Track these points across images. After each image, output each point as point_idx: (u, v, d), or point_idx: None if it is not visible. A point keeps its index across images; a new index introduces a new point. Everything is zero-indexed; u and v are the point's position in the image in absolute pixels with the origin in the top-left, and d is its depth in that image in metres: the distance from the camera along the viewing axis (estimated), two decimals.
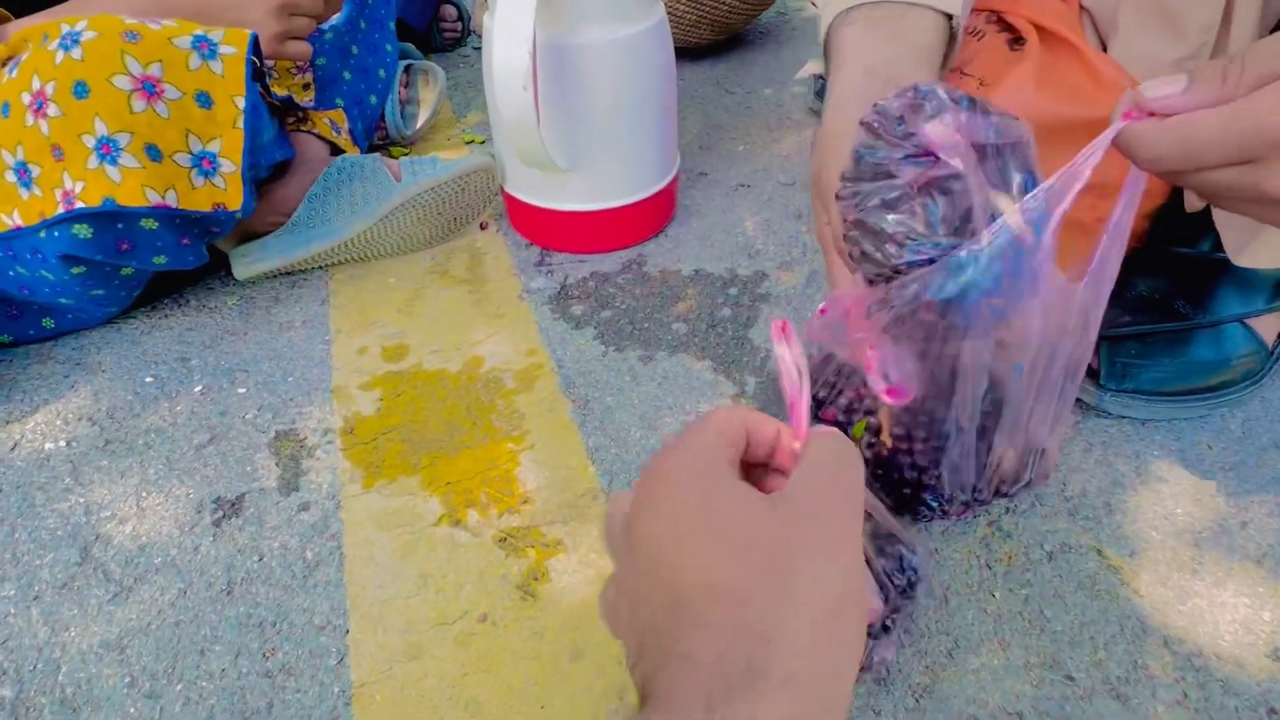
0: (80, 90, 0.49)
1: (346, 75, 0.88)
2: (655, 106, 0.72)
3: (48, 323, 0.68)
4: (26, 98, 0.50)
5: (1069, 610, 0.48)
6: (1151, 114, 0.33)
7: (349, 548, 0.54)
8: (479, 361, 0.68)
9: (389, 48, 0.95)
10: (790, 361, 0.33)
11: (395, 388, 0.66)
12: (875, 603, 0.40)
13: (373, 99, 0.92)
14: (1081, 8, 0.65)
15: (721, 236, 0.82)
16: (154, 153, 0.51)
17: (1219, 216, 0.58)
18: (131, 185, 0.50)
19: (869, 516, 0.43)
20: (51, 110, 0.49)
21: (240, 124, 0.53)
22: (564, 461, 0.59)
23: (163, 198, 0.52)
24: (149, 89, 0.50)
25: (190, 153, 0.53)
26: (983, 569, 0.50)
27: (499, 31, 0.61)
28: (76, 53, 0.49)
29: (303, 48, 0.71)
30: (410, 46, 1.09)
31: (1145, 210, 0.67)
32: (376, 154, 0.76)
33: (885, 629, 0.43)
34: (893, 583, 0.43)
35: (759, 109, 1.07)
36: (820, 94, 1.03)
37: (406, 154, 0.97)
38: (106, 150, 0.50)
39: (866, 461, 0.53)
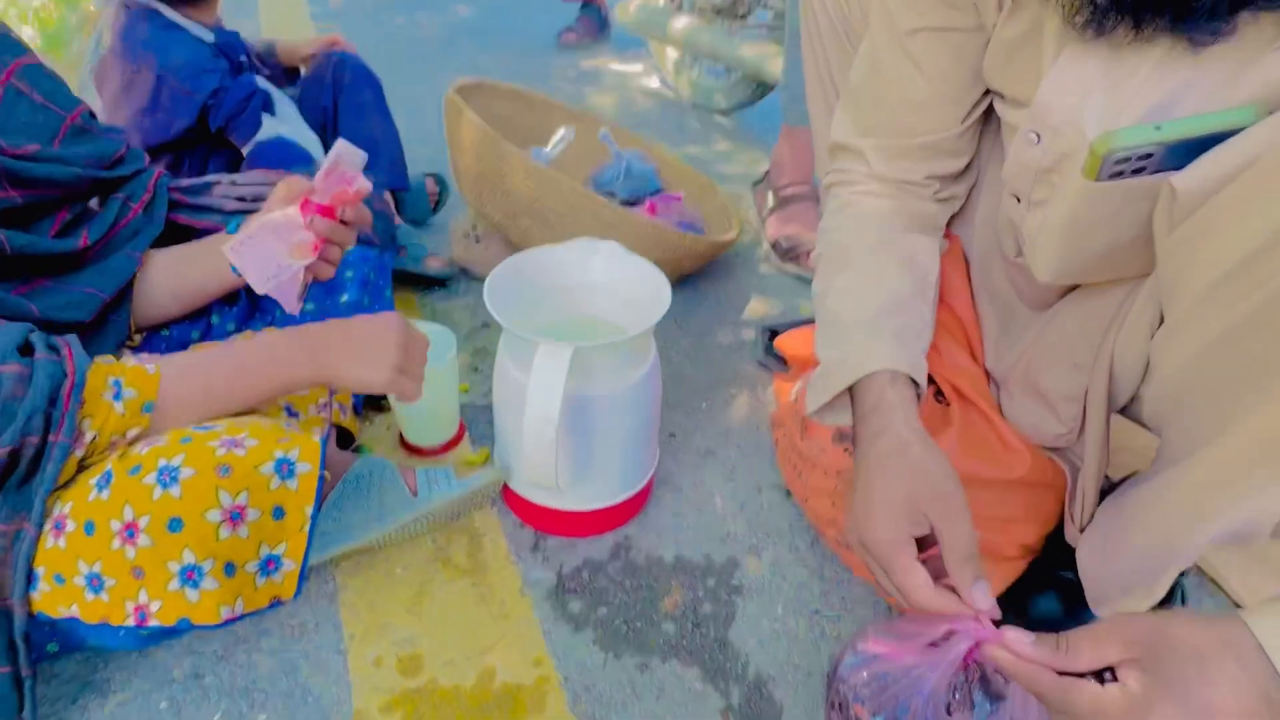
0: (174, 525, 0.54)
1: None
2: (647, 428, 0.84)
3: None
4: (116, 525, 0.55)
5: None
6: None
7: None
8: (491, 674, 0.75)
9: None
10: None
11: (415, 708, 0.72)
12: None
13: None
14: (985, 370, 0.83)
15: (695, 516, 0.93)
16: (230, 569, 0.56)
17: (1083, 571, 0.74)
18: (208, 605, 0.55)
19: None
20: (142, 540, 0.54)
21: (307, 528, 0.60)
22: None
23: (232, 609, 0.57)
24: (235, 516, 0.56)
25: (259, 559, 0.59)
26: None
27: (534, 389, 0.70)
28: (175, 490, 0.55)
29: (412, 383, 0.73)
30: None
31: (1042, 533, 0.83)
32: (394, 464, 0.83)
33: None
34: None
35: (716, 356, 1.20)
36: (769, 350, 1.18)
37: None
38: (190, 576, 0.55)
39: None
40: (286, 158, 1.12)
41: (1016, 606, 0.78)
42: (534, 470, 0.73)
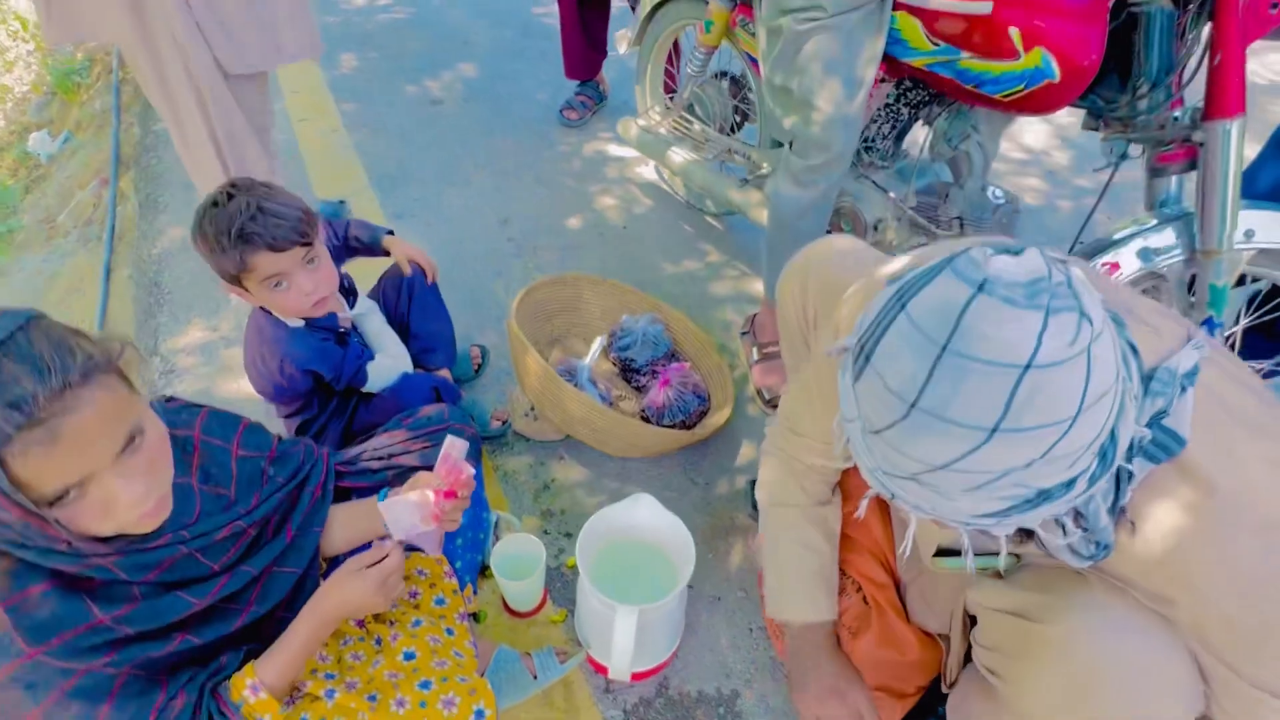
0: None
1: (467, 556, 1.38)
2: (679, 622, 1.28)
3: None
4: None
5: None
6: None
7: None
8: None
9: (485, 515, 1.45)
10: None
11: None
12: None
13: (479, 558, 1.41)
14: (897, 581, 1.28)
15: (708, 656, 1.39)
16: None
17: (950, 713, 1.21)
18: None
19: None
20: None
21: None
22: None
23: None
24: None
25: None
26: None
27: (617, 635, 1.14)
28: None
29: (401, 590, 1.14)
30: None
31: (931, 675, 1.30)
32: (519, 654, 1.27)
33: None
34: None
35: (718, 508, 1.64)
36: (755, 507, 1.61)
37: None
38: None
39: None
40: (411, 390, 1.52)
41: None
42: (615, 673, 1.18)
